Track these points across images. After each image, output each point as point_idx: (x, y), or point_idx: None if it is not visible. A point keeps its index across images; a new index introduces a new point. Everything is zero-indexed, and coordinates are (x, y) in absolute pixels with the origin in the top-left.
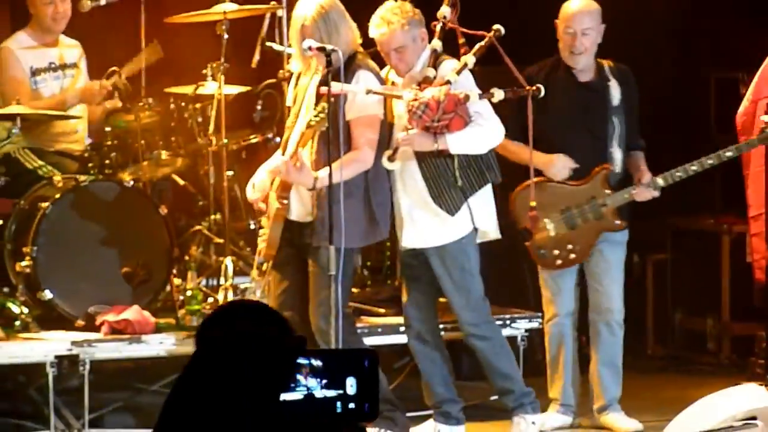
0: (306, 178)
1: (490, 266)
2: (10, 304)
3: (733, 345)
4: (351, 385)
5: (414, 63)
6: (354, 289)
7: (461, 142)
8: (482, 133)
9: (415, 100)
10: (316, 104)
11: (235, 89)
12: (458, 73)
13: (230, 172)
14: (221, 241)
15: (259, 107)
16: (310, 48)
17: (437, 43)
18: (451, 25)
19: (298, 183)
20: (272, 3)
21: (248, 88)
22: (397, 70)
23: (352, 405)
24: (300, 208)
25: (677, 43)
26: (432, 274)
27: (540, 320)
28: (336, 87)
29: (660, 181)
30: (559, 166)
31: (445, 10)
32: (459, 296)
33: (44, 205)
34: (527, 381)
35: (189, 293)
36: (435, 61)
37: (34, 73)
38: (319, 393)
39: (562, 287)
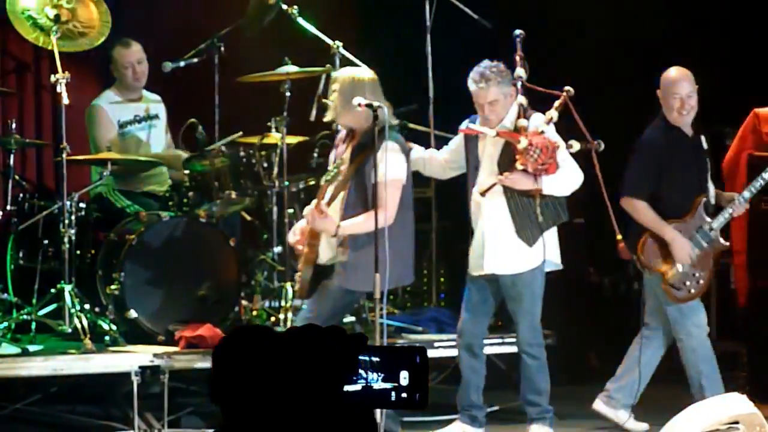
0: (329, 225)
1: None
2: (101, 322)
3: (719, 360)
4: (404, 378)
5: (503, 115)
6: (395, 310)
7: (555, 184)
8: (570, 177)
9: (531, 144)
10: (335, 163)
11: (295, 139)
12: (547, 124)
13: (290, 210)
14: (282, 268)
15: (315, 154)
16: (360, 105)
17: (523, 99)
18: (529, 85)
19: (322, 230)
20: (327, 66)
21: (306, 138)
22: (489, 120)
23: (404, 395)
24: (327, 253)
25: None
26: (495, 298)
27: None
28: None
29: (746, 194)
30: (687, 250)
31: (519, 72)
32: (524, 318)
33: (131, 237)
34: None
35: (254, 313)
36: (524, 114)
37: (122, 125)
38: (377, 385)
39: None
